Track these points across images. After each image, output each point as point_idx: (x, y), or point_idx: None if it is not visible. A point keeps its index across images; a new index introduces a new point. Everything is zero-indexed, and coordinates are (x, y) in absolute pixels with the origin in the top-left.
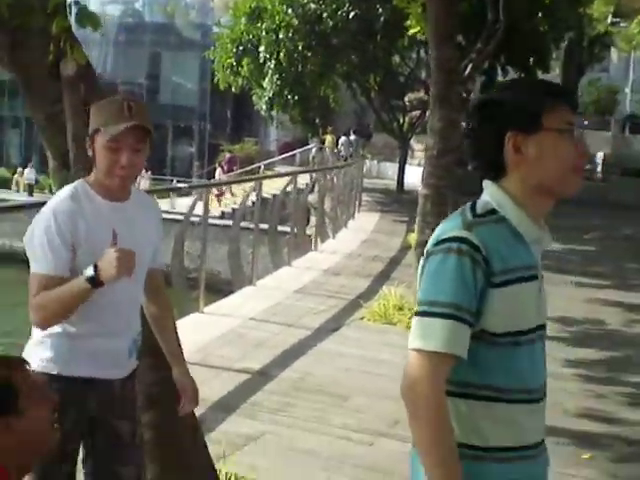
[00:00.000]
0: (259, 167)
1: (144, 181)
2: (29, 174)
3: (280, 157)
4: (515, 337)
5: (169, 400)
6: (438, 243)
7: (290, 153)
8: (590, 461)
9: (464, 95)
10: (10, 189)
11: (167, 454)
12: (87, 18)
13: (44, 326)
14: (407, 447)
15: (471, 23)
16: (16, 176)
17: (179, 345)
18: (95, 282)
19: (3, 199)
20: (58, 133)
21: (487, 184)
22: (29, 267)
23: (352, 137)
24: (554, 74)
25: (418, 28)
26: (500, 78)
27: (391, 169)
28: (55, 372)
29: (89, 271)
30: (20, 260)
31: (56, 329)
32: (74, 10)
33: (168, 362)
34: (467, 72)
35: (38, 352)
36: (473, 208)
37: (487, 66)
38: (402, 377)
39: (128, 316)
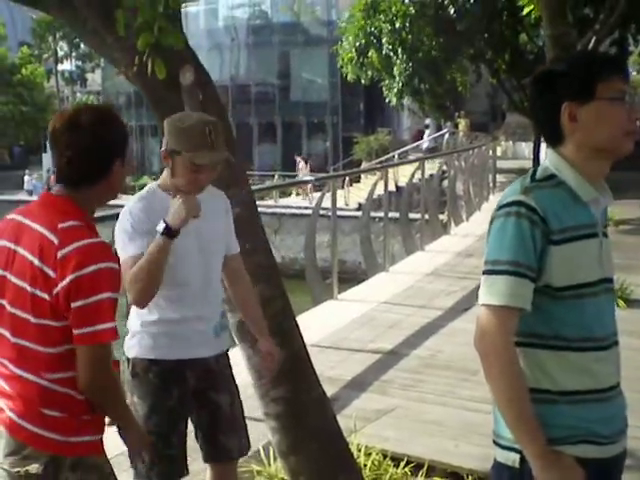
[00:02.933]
0: (393, 156)
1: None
2: None
3: (413, 145)
4: (577, 290)
5: (296, 375)
6: (499, 208)
7: (423, 140)
8: None
9: None
10: None
11: (298, 426)
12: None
13: (142, 301)
14: None
15: None
16: None
17: (262, 319)
18: (169, 232)
19: None
20: None
21: (548, 151)
22: None
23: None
24: None
25: (532, 7)
26: (632, 49)
27: (527, 149)
28: (154, 357)
29: (160, 226)
30: None
31: (151, 318)
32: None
33: (292, 340)
34: (591, 45)
35: (138, 341)
36: (533, 174)
37: (618, 37)
38: (475, 331)
39: (212, 301)
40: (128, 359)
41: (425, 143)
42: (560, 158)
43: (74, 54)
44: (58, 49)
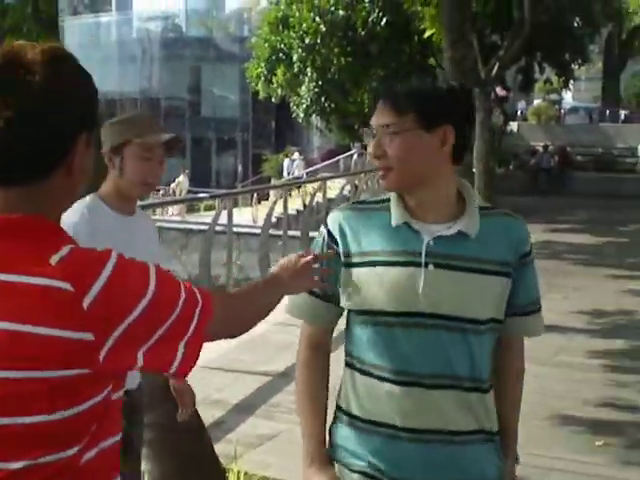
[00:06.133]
0: (302, 175)
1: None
2: None
3: (323, 164)
4: (366, 316)
5: (172, 401)
6: None
7: (332, 160)
8: (603, 447)
9: (502, 93)
10: None
11: (171, 452)
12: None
13: None
14: None
15: (503, 22)
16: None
17: None
18: None
19: None
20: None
21: None
22: None
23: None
24: (598, 68)
25: (433, 30)
26: (537, 75)
27: None
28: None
29: None
30: None
31: None
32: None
33: None
34: (495, 71)
35: None
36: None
37: (524, 64)
38: None
39: None
40: None
41: (292, 174)
42: None
43: None
44: None
